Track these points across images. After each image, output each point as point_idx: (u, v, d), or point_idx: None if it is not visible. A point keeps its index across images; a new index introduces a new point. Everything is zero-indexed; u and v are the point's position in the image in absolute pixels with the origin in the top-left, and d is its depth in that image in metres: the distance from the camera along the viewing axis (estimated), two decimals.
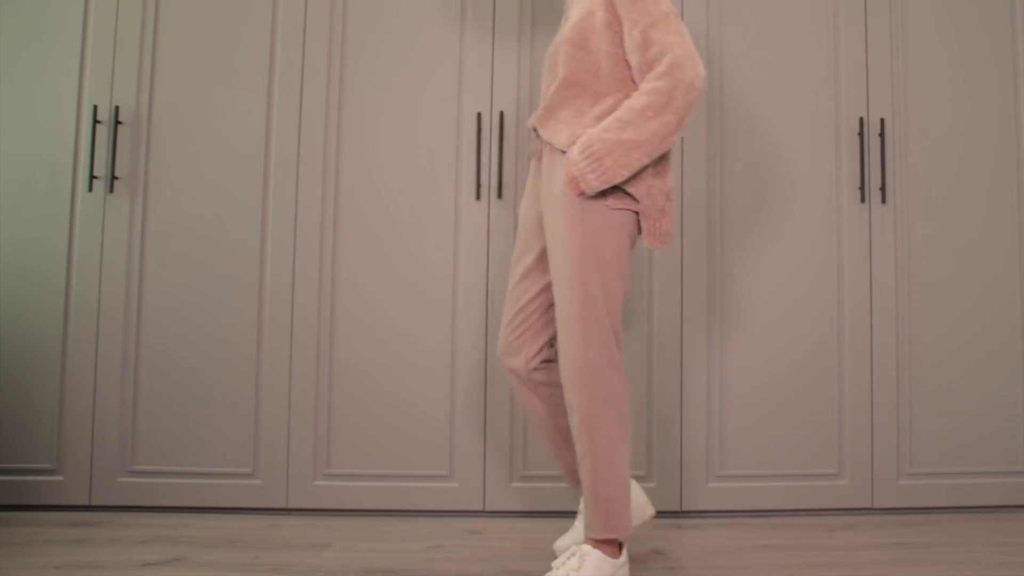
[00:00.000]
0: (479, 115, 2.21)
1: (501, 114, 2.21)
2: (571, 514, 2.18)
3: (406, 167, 2.24)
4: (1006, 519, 2.16)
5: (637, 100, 1.53)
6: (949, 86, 2.31)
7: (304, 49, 2.25)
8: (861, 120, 2.25)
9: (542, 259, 1.70)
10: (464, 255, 2.21)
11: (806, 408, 2.22)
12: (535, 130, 1.68)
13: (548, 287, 1.68)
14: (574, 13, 1.63)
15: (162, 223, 2.23)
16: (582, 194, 1.55)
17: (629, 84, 1.61)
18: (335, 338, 2.21)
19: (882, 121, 2.26)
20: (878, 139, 2.28)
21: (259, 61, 2.25)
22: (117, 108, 2.22)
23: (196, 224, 2.23)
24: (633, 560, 1.79)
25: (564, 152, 1.59)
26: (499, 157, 2.20)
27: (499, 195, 2.21)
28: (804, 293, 2.24)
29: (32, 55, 2.24)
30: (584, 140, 1.54)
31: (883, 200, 2.25)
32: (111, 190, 2.21)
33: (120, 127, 2.24)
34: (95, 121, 2.21)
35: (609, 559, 1.53)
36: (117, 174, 2.23)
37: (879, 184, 2.27)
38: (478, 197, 2.21)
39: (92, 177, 2.20)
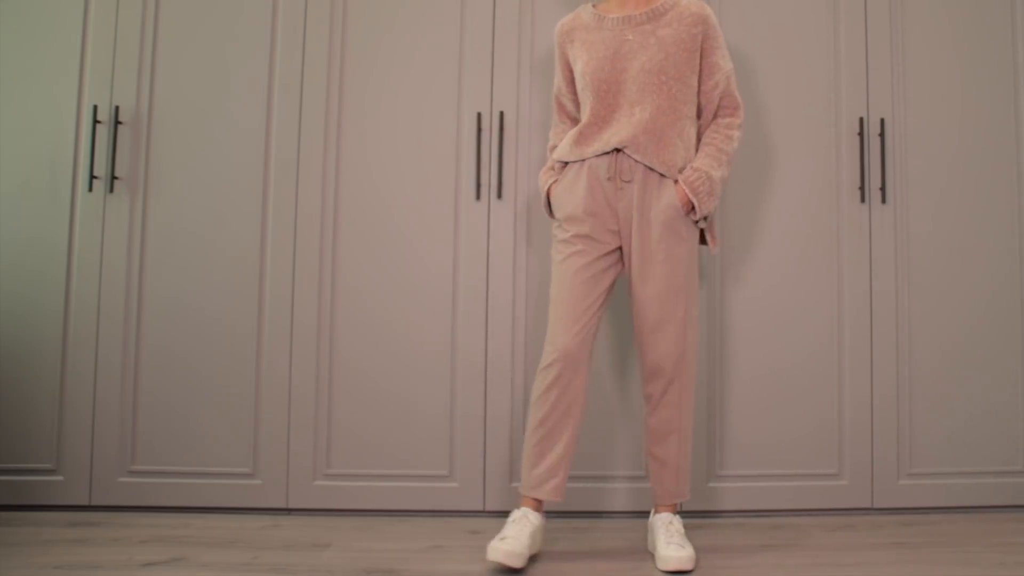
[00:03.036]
0: (479, 115, 2.21)
1: (501, 114, 2.21)
2: (570, 514, 2.18)
3: (406, 167, 2.24)
4: (1006, 519, 2.16)
5: (729, 144, 1.88)
6: (949, 86, 2.31)
7: (304, 49, 2.25)
8: (861, 120, 2.25)
9: (610, 266, 1.86)
10: (464, 255, 2.21)
11: (806, 408, 2.22)
12: (618, 151, 1.84)
13: (610, 289, 1.87)
14: (666, 36, 1.83)
15: (162, 223, 2.23)
16: (690, 213, 1.83)
17: (696, 116, 1.92)
18: (335, 338, 2.21)
19: (882, 121, 2.26)
20: (878, 139, 2.28)
21: (259, 61, 2.25)
22: (117, 108, 2.22)
23: (196, 224, 2.23)
24: (634, 560, 1.79)
25: (663, 175, 1.83)
26: (499, 157, 2.20)
27: (499, 195, 2.21)
28: (804, 293, 2.24)
29: (32, 55, 2.24)
30: (703, 172, 1.82)
31: (883, 200, 2.25)
32: (111, 190, 2.21)
33: (120, 127, 2.24)
34: (95, 121, 2.21)
35: None
36: (117, 174, 2.23)
37: (879, 184, 2.27)
38: (478, 197, 2.21)
39: (92, 177, 2.20)
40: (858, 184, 2.27)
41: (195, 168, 2.24)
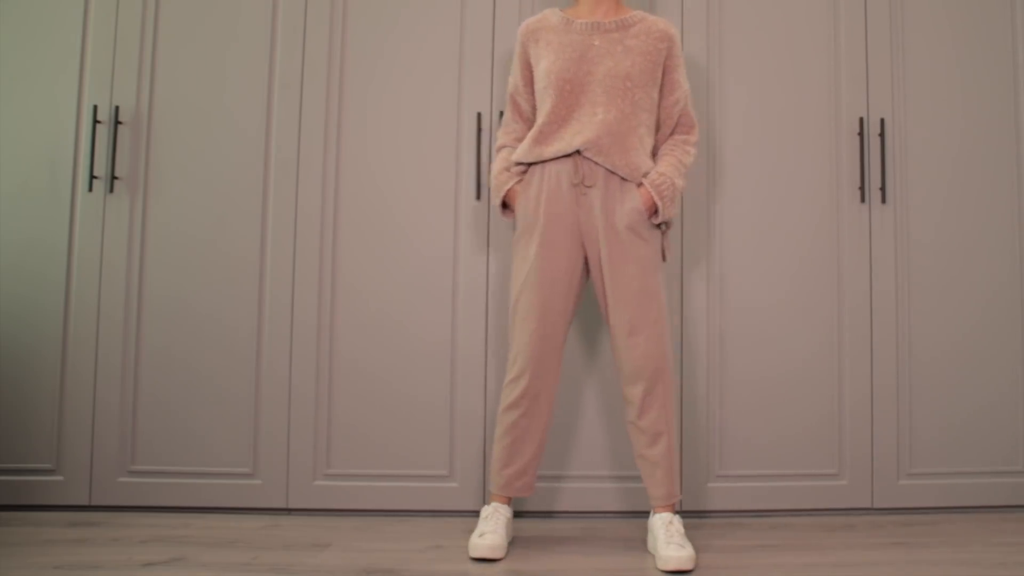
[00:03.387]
0: (479, 115, 2.21)
1: (501, 114, 2.21)
2: (572, 514, 2.18)
3: (406, 167, 2.24)
4: (1006, 519, 2.16)
5: (687, 157, 1.93)
6: (949, 86, 2.31)
7: (304, 49, 2.25)
8: (861, 120, 2.25)
9: (576, 274, 1.88)
10: (464, 255, 2.21)
11: (806, 408, 2.22)
12: (579, 153, 1.85)
13: (577, 298, 1.90)
14: (633, 46, 1.87)
15: (162, 223, 2.23)
16: (652, 217, 1.87)
17: (654, 127, 1.95)
18: (335, 338, 2.21)
19: (882, 121, 2.26)
20: (878, 139, 2.28)
21: (259, 61, 2.26)
22: (117, 108, 2.22)
23: (196, 223, 2.23)
24: (634, 560, 1.79)
25: (624, 179, 1.86)
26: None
27: None
28: (804, 293, 2.24)
29: (32, 55, 2.24)
30: (668, 178, 1.86)
31: (883, 200, 2.25)
32: (111, 190, 2.21)
33: (120, 127, 2.24)
34: (95, 121, 2.21)
35: None
36: (117, 174, 2.23)
37: (879, 184, 2.27)
38: (478, 197, 2.21)
39: (92, 177, 2.20)
40: (858, 184, 2.27)
41: (195, 168, 2.24)
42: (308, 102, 2.24)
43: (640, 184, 1.86)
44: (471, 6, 2.26)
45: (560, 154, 1.86)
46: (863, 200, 2.26)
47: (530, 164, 1.91)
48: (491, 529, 1.81)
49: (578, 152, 1.86)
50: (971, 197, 2.30)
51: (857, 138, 2.28)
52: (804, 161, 2.27)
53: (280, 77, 2.25)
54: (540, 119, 1.89)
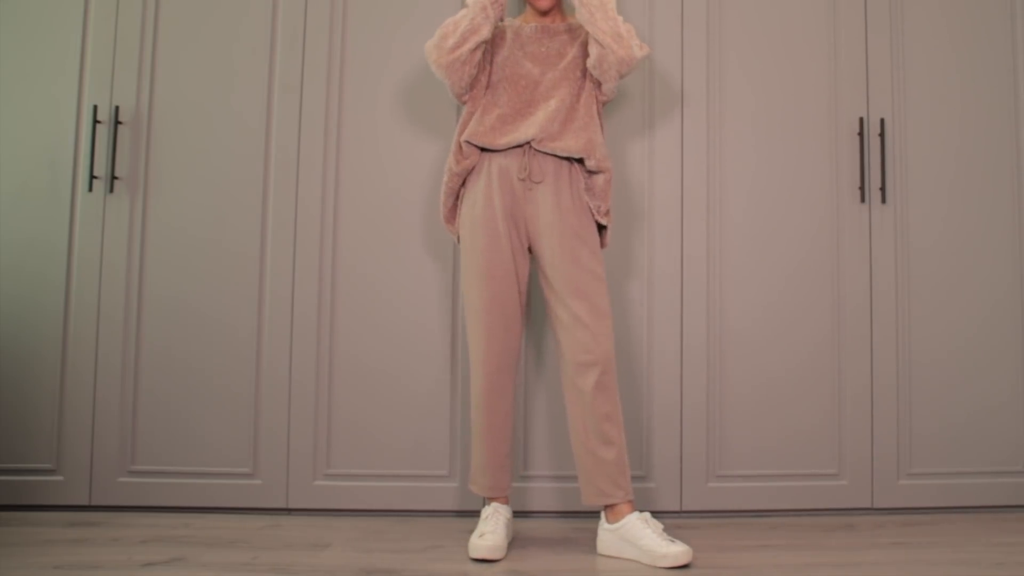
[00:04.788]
0: None
1: None
2: (571, 514, 2.18)
3: (406, 167, 2.24)
4: (1006, 519, 2.16)
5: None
6: (949, 86, 2.31)
7: (304, 49, 2.25)
8: (861, 120, 2.25)
9: (524, 268, 1.91)
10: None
11: (806, 408, 2.22)
12: (528, 145, 1.88)
13: (527, 289, 1.94)
14: (582, 43, 1.94)
15: (162, 223, 2.23)
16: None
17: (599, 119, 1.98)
18: (335, 338, 2.21)
19: (882, 121, 2.26)
20: (878, 139, 2.28)
21: (259, 61, 2.26)
22: (117, 108, 2.22)
23: (196, 224, 2.23)
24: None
25: (571, 164, 1.89)
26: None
27: None
28: (804, 293, 2.24)
29: (32, 55, 2.24)
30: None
31: (883, 200, 2.25)
32: (111, 190, 2.21)
33: (120, 127, 2.24)
34: (95, 121, 2.21)
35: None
36: (117, 174, 2.23)
37: (879, 184, 2.27)
38: None
39: (92, 177, 2.20)
40: (858, 184, 2.27)
41: (195, 168, 2.24)
42: (308, 102, 2.24)
43: (592, 171, 1.90)
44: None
45: (511, 145, 1.88)
46: (863, 200, 2.26)
47: (482, 150, 1.92)
48: (491, 529, 1.82)
49: (528, 144, 1.88)
50: (971, 197, 2.30)
51: (857, 138, 2.28)
52: (804, 161, 2.27)
53: (280, 77, 2.25)
54: (497, 110, 1.91)
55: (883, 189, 2.24)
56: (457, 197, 1.96)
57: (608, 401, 1.82)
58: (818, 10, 2.30)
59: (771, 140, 2.27)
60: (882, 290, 2.25)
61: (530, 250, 1.93)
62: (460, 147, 1.92)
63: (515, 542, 1.93)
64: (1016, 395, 2.27)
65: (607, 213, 1.93)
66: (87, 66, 2.25)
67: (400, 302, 2.22)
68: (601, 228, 1.96)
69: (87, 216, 2.22)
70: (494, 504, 1.90)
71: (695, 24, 2.27)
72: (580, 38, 1.96)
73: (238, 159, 2.24)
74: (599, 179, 1.91)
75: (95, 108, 2.21)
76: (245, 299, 2.21)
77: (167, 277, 2.22)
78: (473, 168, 1.92)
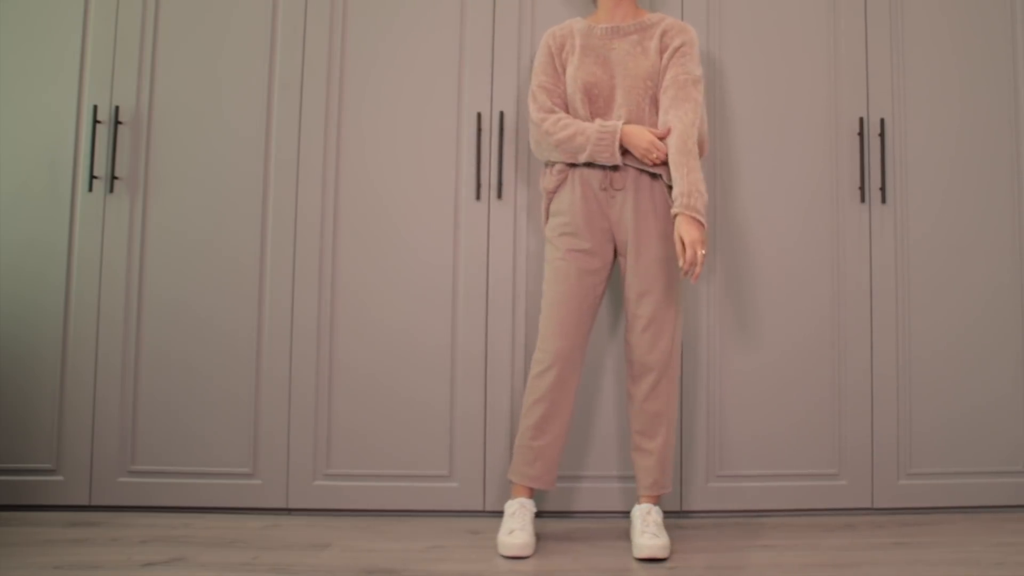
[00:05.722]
0: (479, 115, 2.21)
1: (501, 114, 2.21)
2: (571, 514, 2.18)
3: (406, 167, 2.24)
4: (1006, 519, 2.16)
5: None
6: (949, 86, 2.31)
7: (304, 49, 2.25)
8: (861, 120, 2.25)
9: (604, 270, 1.95)
10: (464, 255, 2.21)
11: (806, 408, 2.22)
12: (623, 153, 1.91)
13: (603, 293, 1.96)
14: (651, 47, 1.93)
15: (162, 223, 2.23)
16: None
17: None
18: (335, 338, 2.21)
19: (882, 121, 2.26)
20: (878, 139, 2.28)
21: (259, 61, 2.25)
22: (117, 108, 2.22)
23: (196, 224, 2.23)
24: (634, 560, 1.79)
25: (654, 177, 1.92)
26: (499, 157, 2.20)
27: (499, 195, 2.21)
28: (804, 293, 2.24)
29: (32, 55, 2.24)
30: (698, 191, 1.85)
31: (883, 200, 2.25)
32: (111, 190, 2.21)
33: (120, 127, 2.24)
34: (95, 121, 2.21)
35: None
36: (117, 174, 2.23)
37: (879, 184, 2.27)
38: (478, 197, 2.21)
39: (92, 177, 2.20)
40: (858, 184, 2.27)
41: (195, 168, 2.24)
42: (308, 102, 2.24)
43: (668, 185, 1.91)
44: (471, 6, 2.26)
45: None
46: (863, 200, 2.26)
47: (570, 165, 1.96)
48: (520, 526, 1.82)
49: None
50: (971, 197, 2.30)
51: (857, 138, 2.28)
52: (804, 161, 2.27)
53: (280, 77, 2.25)
54: None
55: (883, 189, 2.24)
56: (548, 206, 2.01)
57: (660, 402, 1.89)
58: (818, 10, 2.30)
59: (771, 140, 2.27)
60: (882, 290, 2.25)
61: (614, 253, 1.97)
62: (549, 165, 1.99)
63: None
64: (1016, 395, 2.27)
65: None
66: (87, 66, 2.25)
67: (400, 301, 2.22)
68: None
69: (87, 216, 2.22)
70: (519, 499, 1.90)
71: (695, 24, 2.27)
72: (653, 40, 1.95)
73: (238, 159, 2.24)
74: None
75: (95, 108, 2.21)
76: (245, 298, 2.21)
77: (167, 277, 2.22)
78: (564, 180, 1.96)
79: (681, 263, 1.76)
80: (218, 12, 2.27)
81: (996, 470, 2.24)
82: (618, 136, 1.87)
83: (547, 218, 2.02)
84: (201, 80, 2.25)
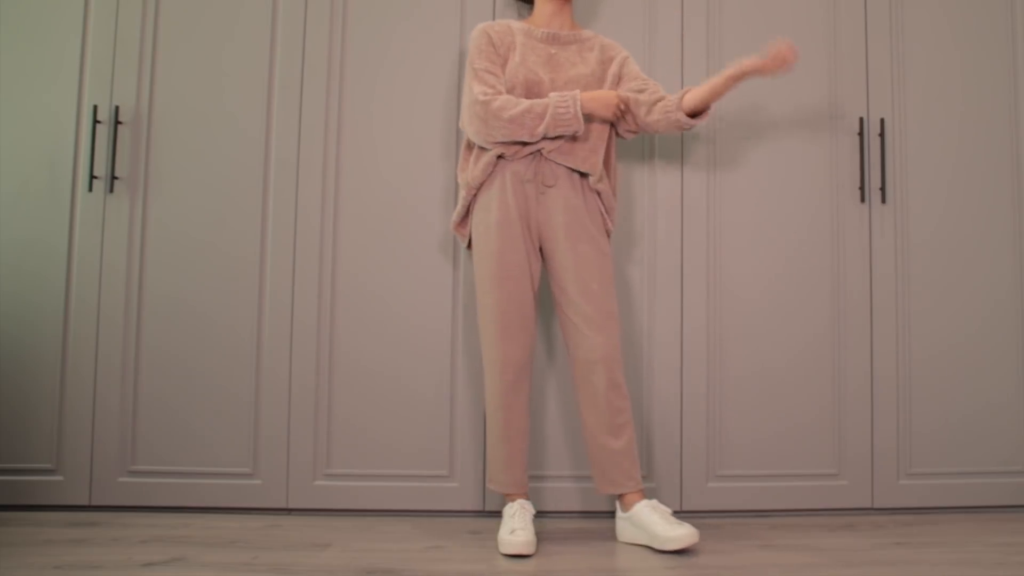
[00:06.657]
0: None
1: None
2: (572, 514, 2.18)
3: (406, 166, 2.24)
4: (1006, 519, 2.16)
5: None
6: (949, 86, 2.32)
7: (304, 49, 2.25)
8: (861, 120, 2.25)
9: (537, 270, 1.96)
10: (463, 255, 2.21)
11: (806, 408, 2.22)
12: (539, 153, 1.93)
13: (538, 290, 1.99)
14: (590, 58, 1.99)
15: (162, 223, 2.23)
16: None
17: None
18: (335, 338, 2.21)
19: (882, 121, 2.26)
20: (878, 139, 2.28)
21: (259, 61, 2.26)
22: (117, 108, 2.22)
23: (196, 224, 2.23)
24: (633, 560, 1.79)
25: (583, 175, 1.95)
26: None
27: None
28: (804, 293, 2.25)
29: (32, 55, 2.24)
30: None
31: (883, 200, 2.25)
32: (111, 190, 2.21)
33: (120, 127, 2.24)
34: (95, 121, 2.21)
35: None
36: (117, 174, 2.23)
37: (879, 184, 2.27)
38: None
39: (92, 177, 2.20)
40: (858, 184, 2.27)
41: (195, 168, 2.24)
42: (308, 102, 2.24)
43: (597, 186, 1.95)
44: (471, 6, 2.26)
45: (523, 154, 1.92)
46: (863, 200, 2.26)
47: (498, 158, 1.95)
48: (521, 526, 1.85)
49: (539, 151, 1.93)
50: (971, 197, 2.30)
51: (857, 138, 2.28)
52: (804, 161, 2.27)
53: (280, 77, 2.25)
54: None
55: (883, 189, 2.24)
56: (469, 206, 2.00)
57: (619, 396, 1.90)
58: (818, 10, 2.30)
59: (771, 139, 2.27)
60: (882, 290, 2.25)
61: (541, 251, 1.97)
62: (471, 155, 1.97)
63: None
64: (1016, 395, 2.27)
65: (612, 217, 2.02)
66: (87, 66, 2.25)
67: (399, 301, 2.22)
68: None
69: (87, 216, 2.22)
70: (519, 501, 1.93)
71: (695, 24, 2.27)
72: (592, 52, 2.00)
73: (238, 159, 2.24)
74: (602, 193, 1.98)
75: (95, 108, 2.21)
76: (245, 298, 2.21)
77: (167, 276, 2.22)
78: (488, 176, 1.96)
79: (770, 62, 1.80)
80: (218, 12, 2.27)
81: (996, 470, 2.24)
82: (579, 100, 1.87)
83: (466, 214, 2.00)
84: (201, 80, 2.25)
